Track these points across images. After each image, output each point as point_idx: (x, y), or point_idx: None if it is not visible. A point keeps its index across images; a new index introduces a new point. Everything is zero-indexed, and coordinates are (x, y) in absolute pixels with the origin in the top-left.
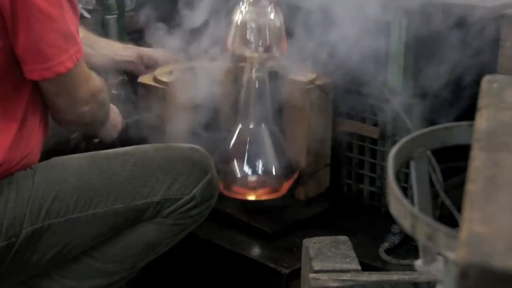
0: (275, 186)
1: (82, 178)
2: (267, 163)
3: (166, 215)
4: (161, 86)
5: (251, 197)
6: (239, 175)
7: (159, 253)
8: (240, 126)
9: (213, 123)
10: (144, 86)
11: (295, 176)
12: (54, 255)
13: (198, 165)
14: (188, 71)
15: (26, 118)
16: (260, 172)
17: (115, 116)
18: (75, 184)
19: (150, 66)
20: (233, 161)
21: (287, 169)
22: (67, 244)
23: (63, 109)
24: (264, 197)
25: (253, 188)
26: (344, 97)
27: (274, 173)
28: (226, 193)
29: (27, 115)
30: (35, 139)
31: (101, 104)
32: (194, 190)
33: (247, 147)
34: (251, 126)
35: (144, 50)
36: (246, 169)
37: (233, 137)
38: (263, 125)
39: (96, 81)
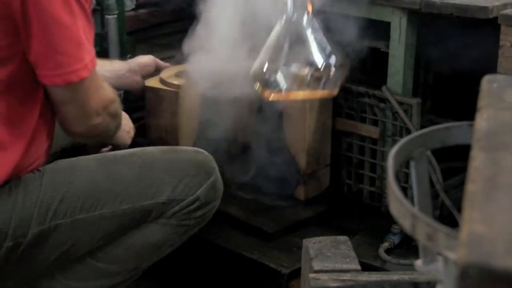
0: (328, 82)
1: (89, 179)
2: (315, 57)
3: (170, 216)
4: (172, 89)
5: (303, 96)
6: (286, 73)
7: (162, 255)
8: (284, 19)
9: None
10: (153, 90)
11: (347, 71)
12: (60, 255)
13: (203, 167)
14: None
15: (38, 126)
16: (309, 67)
17: (127, 122)
18: (82, 185)
19: (147, 74)
20: (278, 58)
21: (338, 64)
22: (74, 245)
23: (73, 119)
24: (316, 95)
25: (304, 85)
26: (344, 97)
27: (325, 68)
28: (272, 97)
29: (39, 123)
30: (44, 146)
31: (113, 115)
32: (199, 192)
33: (290, 41)
34: (293, 19)
35: (133, 62)
36: (293, 65)
37: (274, 33)
38: (305, 17)
39: (108, 92)
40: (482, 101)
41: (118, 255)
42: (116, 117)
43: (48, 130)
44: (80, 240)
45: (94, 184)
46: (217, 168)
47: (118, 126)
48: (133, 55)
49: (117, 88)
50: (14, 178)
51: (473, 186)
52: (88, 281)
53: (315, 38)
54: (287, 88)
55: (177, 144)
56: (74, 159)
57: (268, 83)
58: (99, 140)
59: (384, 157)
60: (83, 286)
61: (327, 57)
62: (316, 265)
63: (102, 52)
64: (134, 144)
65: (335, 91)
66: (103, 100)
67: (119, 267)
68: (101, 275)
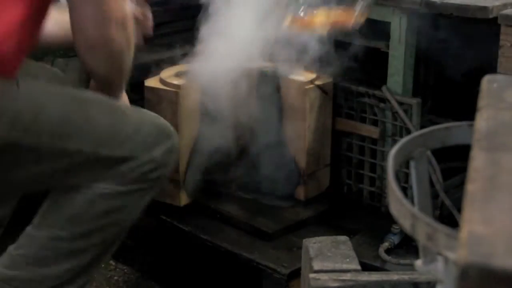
0: (354, 9)
1: (64, 110)
2: None
3: (125, 175)
4: (172, 89)
5: (328, 21)
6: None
7: (124, 225)
8: None
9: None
10: (153, 90)
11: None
12: (10, 178)
13: (163, 130)
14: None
15: (27, 22)
16: None
17: (127, 102)
18: (56, 113)
19: None
20: None
21: None
22: (27, 170)
23: (90, 22)
24: (341, 20)
25: (322, 15)
26: (344, 97)
27: None
28: (296, 24)
29: (29, 19)
30: (23, 53)
31: (128, 38)
32: (156, 153)
33: None
34: None
35: None
36: None
37: None
38: None
39: (128, 9)
40: (482, 101)
41: (78, 229)
42: (130, 42)
43: (33, 35)
44: (35, 168)
45: (67, 116)
46: (175, 134)
47: (130, 62)
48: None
49: None
50: None
51: (473, 186)
52: (58, 264)
53: None
54: (311, 14)
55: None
56: (54, 85)
57: (292, 9)
58: (110, 77)
59: (384, 157)
60: (53, 271)
61: None
62: (316, 265)
63: None
64: None
65: (361, 19)
66: (124, 12)
67: (83, 242)
68: (70, 256)
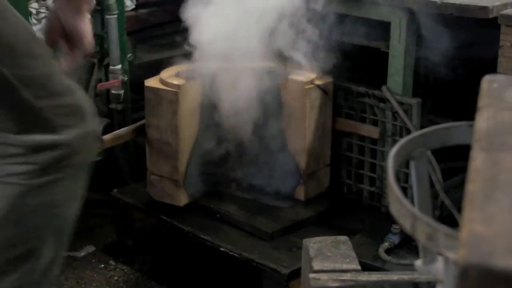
0: None
1: (15, 34)
2: None
3: (36, 156)
4: (172, 89)
5: None
6: None
7: (66, 219)
8: None
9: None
10: (153, 90)
11: None
12: None
13: (80, 108)
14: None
15: None
16: None
17: (89, 29)
18: (8, 33)
19: None
20: None
21: None
22: None
23: None
24: None
25: None
26: (344, 97)
27: None
28: None
29: None
30: None
31: None
32: (71, 136)
33: None
34: None
35: None
36: None
37: None
38: None
39: None
40: (482, 101)
41: (7, 236)
42: None
43: None
44: None
45: (15, 42)
46: (93, 121)
47: None
48: (133, 55)
49: None
50: None
51: (473, 186)
52: (5, 277)
53: None
54: None
55: (177, 144)
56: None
57: None
58: None
59: (384, 157)
60: (4, 285)
61: None
62: (316, 265)
63: (102, 52)
64: (134, 144)
65: None
66: None
67: (21, 248)
68: (12, 265)
